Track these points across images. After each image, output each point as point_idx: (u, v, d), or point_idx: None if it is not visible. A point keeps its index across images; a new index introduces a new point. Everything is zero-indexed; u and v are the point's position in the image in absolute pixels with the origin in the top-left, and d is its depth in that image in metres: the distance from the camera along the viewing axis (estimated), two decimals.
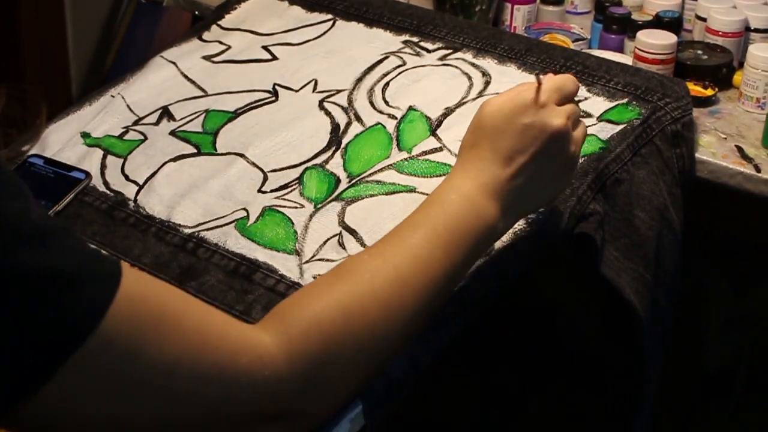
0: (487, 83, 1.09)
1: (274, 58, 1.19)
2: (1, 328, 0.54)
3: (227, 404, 0.64)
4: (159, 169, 1.01)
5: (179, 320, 0.62)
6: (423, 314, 0.75)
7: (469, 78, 1.10)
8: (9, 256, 0.54)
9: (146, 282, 0.63)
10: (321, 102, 1.09)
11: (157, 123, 1.09)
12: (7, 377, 0.55)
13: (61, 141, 1.07)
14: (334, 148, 1.01)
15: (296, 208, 0.94)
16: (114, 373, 0.59)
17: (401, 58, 1.15)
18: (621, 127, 1.01)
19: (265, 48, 1.21)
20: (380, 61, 1.15)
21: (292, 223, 0.92)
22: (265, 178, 0.99)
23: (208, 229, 0.93)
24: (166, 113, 1.11)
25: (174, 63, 1.20)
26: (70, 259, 0.57)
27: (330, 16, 1.26)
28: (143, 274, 0.64)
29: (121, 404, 0.60)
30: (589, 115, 1.02)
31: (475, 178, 0.80)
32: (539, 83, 0.81)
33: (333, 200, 0.95)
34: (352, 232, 0.91)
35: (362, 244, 0.89)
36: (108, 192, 0.99)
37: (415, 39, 1.19)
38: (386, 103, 1.08)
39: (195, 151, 1.04)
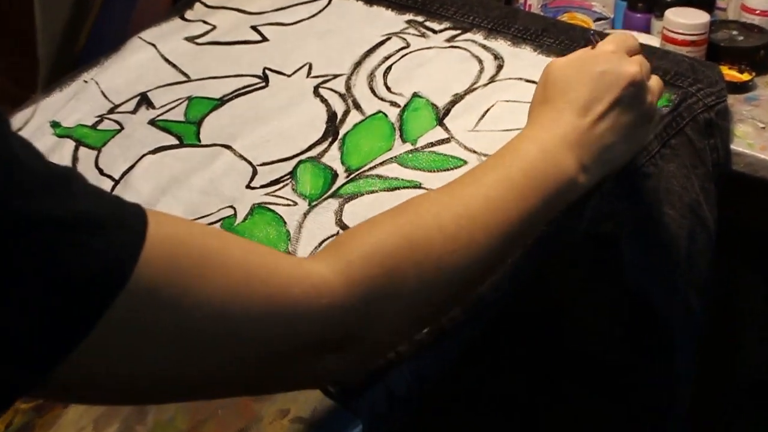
0: (499, 67, 1.06)
1: (264, 39, 1.18)
2: (25, 283, 0.51)
3: (283, 338, 0.63)
4: (137, 162, 1.00)
5: (220, 257, 0.60)
6: (493, 255, 0.75)
7: (480, 61, 1.07)
8: (32, 203, 0.52)
9: (176, 222, 0.61)
10: (316, 88, 1.07)
11: (134, 111, 1.08)
12: (41, 337, 0.52)
13: (28, 131, 1.06)
14: (330, 139, 1.00)
15: (289, 205, 0.92)
16: (157, 322, 0.57)
17: (405, 39, 1.13)
18: None
19: (254, 28, 1.20)
20: (381, 43, 1.12)
21: (284, 223, 0.90)
22: (255, 173, 0.97)
23: None
24: (144, 100, 1.10)
25: (153, 45, 1.19)
26: (94, 202, 0.55)
27: None
28: (171, 216, 0.62)
29: (168, 356, 0.58)
30: None
31: (551, 129, 0.81)
32: (595, 42, 0.85)
33: (329, 197, 0.93)
34: None
35: None
36: None
37: (420, 18, 1.17)
38: (388, 89, 1.05)
39: (177, 142, 1.03)
